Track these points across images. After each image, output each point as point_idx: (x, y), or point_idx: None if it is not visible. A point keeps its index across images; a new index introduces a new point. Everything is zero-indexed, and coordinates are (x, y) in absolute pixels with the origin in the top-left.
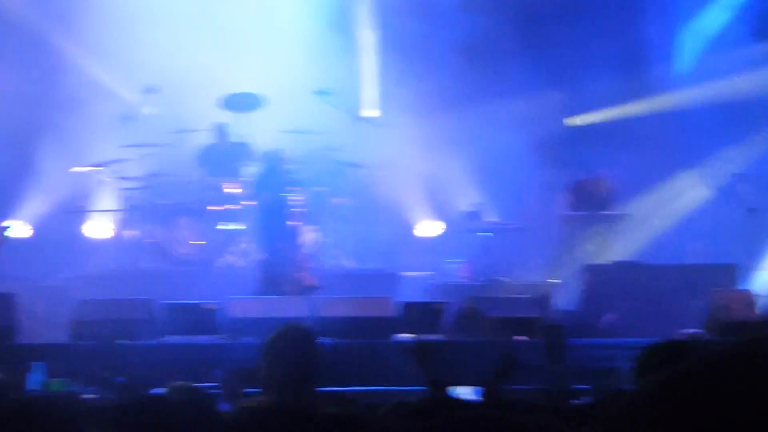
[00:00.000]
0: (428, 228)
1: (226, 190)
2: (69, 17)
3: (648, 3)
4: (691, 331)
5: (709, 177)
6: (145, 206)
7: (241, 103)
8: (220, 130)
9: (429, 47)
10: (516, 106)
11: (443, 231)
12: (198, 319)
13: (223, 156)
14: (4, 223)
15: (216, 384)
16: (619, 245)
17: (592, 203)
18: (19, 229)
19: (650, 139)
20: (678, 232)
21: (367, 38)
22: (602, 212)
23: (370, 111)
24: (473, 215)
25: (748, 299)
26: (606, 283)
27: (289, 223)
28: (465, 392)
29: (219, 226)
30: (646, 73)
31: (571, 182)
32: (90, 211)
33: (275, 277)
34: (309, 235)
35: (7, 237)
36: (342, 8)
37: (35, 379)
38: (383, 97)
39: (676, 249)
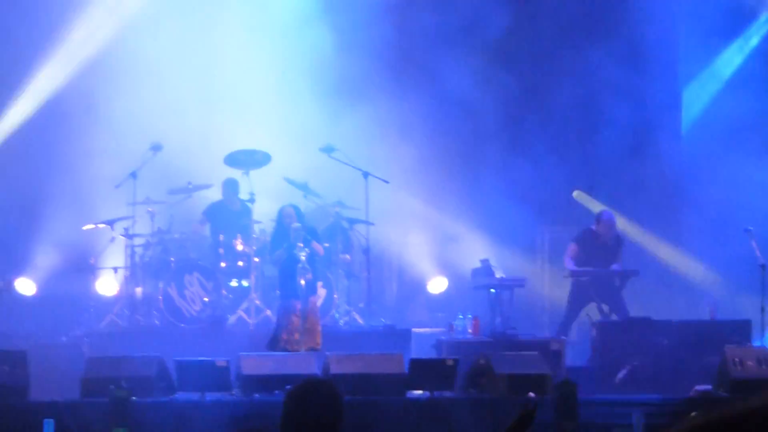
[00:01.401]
0: (438, 284)
1: (237, 247)
2: (72, 75)
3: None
4: (703, 387)
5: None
6: (156, 263)
7: (247, 160)
8: (228, 186)
9: (435, 107)
10: (522, 166)
11: (452, 287)
12: (210, 375)
13: (231, 212)
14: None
15: None
16: (631, 300)
17: (601, 253)
18: (24, 286)
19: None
20: (689, 288)
21: (372, 96)
22: (611, 269)
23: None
24: (481, 271)
25: (762, 356)
26: (617, 339)
27: (300, 279)
28: None
29: (231, 283)
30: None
31: (579, 232)
32: (100, 268)
33: (286, 335)
34: (319, 292)
35: (4, 288)
36: (347, 66)
37: None
38: (390, 153)
39: (689, 304)
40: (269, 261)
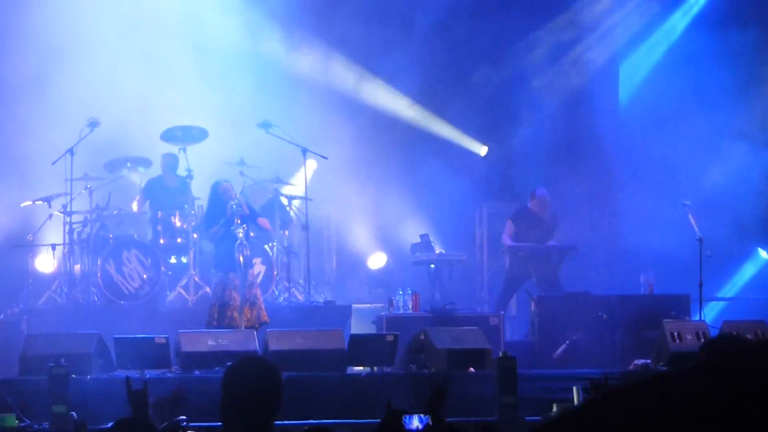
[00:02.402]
0: (377, 260)
1: (176, 224)
2: (6, 47)
3: None
4: (642, 361)
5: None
6: (94, 240)
7: (184, 136)
8: (166, 162)
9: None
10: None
11: (391, 262)
12: (149, 352)
13: (170, 189)
14: None
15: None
16: (569, 275)
17: (537, 230)
18: None
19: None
20: (629, 261)
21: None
22: (549, 245)
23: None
24: (420, 246)
25: (700, 330)
26: (556, 313)
27: (238, 256)
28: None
29: (170, 260)
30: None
31: (515, 210)
32: (38, 245)
33: (225, 311)
34: (258, 268)
35: None
36: (285, 40)
37: None
38: (326, 129)
39: (628, 279)
40: (205, 237)
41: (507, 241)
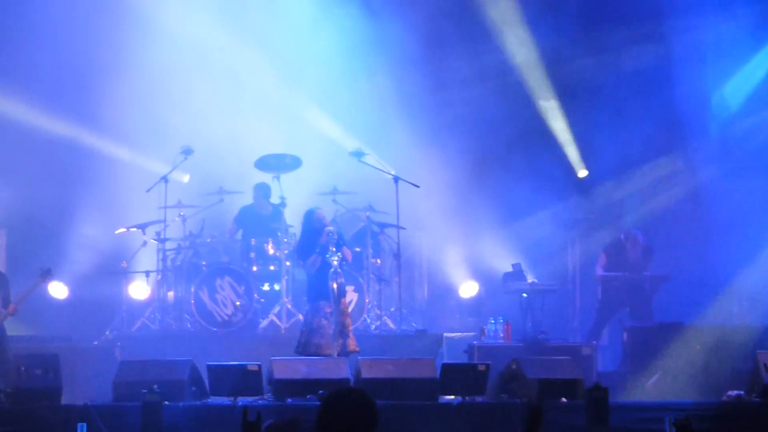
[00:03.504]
0: (469, 288)
1: (269, 251)
2: (104, 77)
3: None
4: (735, 392)
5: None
6: (187, 267)
7: (278, 164)
8: (259, 191)
9: (465, 113)
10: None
11: (483, 291)
12: (242, 380)
13: (263, 217)
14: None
15: None
16: (660, 305)
17: (628, 264)
18: (56, 289)
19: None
20: (722, 291)
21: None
22: (642, 274)
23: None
24: (512, 275)
25: None
26: (649, 343)
27: (332, 284)
28: None
29: (263, 287)
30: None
31: (609, 242)
32: (132, 272)
33: (314, 338)
34: (350, 296)
35: (44, 279)
36: (378, 72)
37: None
38: (419, 157)
39: (720, 309)
40: (302, 267)
41: (600, 271)
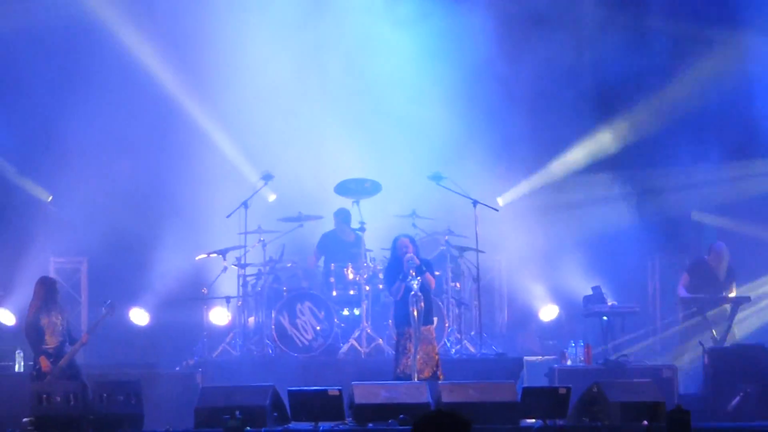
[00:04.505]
0: (549, 312)
1: (349, 276)
2: (183, 105)
3: None
4: None
5: None
6: (268, 293)
7: (357, 189)
8: (339, 216)
9: (542, 132)
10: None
11: (563, 314)
12: (323, 405)
13: (344, 242)
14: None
15: None
16: (742, 328)
17: (711, 283)
18: (137, 316)
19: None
20: None
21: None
22: (723, 295)
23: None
24: (592, 298)
25: None
26: (730, 365)
27: (412, 308)
28: None
29: (342, 312)
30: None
31: (691, 262)
32: (213, 297)
33: (401, 362)
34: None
35: (108, 313)
36: (454, 95)
37: None
38: (498, 180)
39: None
40: (388, 294)
41: (682, 292)
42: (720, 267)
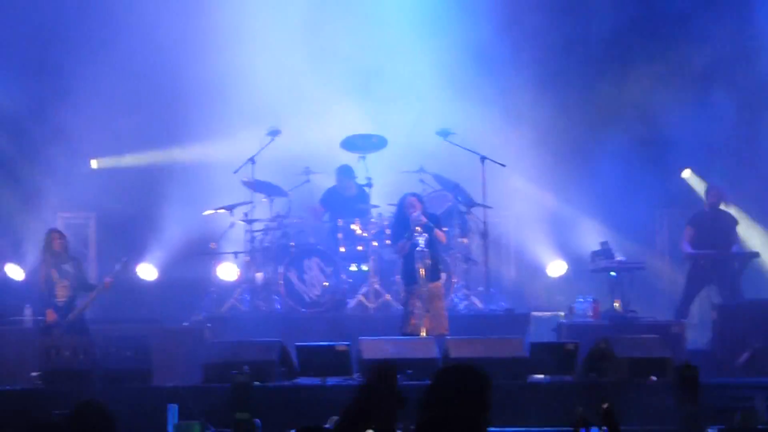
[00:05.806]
0: (557, 267)
1: (356, 232)
2: (189, 57)
3: None
4: None
5: None
6: (275, 248)
7: (364, 144)
8: (341, 173)
9: (550, 91)
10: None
11: (571, 270)
12: (331, 360)
13: (347, 198)
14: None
15: None
16: (750, 283)
17: (714, 234)
18: (146, 271)
19: None
20: None
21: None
22: (731, 252)
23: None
24: (600, 254)
25: None
26: (739, 322)
27: (418, 265)
28: None
29: (350, 268)
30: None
31: (693, 214)
32: (220, 253)
33: (410, 320)
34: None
35: (121, 270)
36: (462, 51)
37: (168, 422)
38: (505, 135)
39: None
40: (392, 252)
41: (686, 248)
42: (719, 209)
